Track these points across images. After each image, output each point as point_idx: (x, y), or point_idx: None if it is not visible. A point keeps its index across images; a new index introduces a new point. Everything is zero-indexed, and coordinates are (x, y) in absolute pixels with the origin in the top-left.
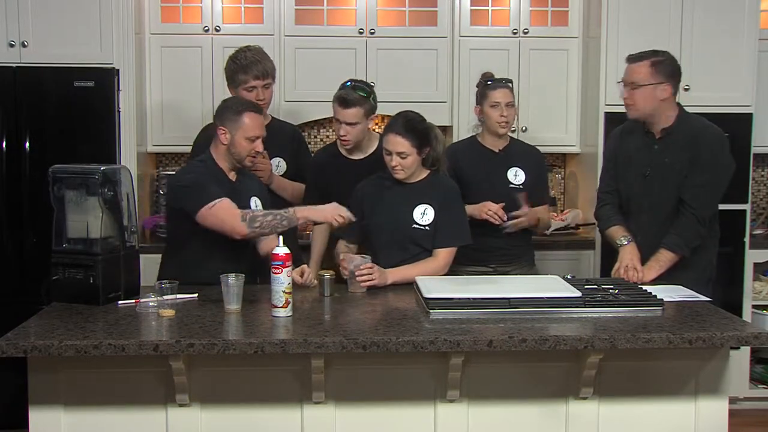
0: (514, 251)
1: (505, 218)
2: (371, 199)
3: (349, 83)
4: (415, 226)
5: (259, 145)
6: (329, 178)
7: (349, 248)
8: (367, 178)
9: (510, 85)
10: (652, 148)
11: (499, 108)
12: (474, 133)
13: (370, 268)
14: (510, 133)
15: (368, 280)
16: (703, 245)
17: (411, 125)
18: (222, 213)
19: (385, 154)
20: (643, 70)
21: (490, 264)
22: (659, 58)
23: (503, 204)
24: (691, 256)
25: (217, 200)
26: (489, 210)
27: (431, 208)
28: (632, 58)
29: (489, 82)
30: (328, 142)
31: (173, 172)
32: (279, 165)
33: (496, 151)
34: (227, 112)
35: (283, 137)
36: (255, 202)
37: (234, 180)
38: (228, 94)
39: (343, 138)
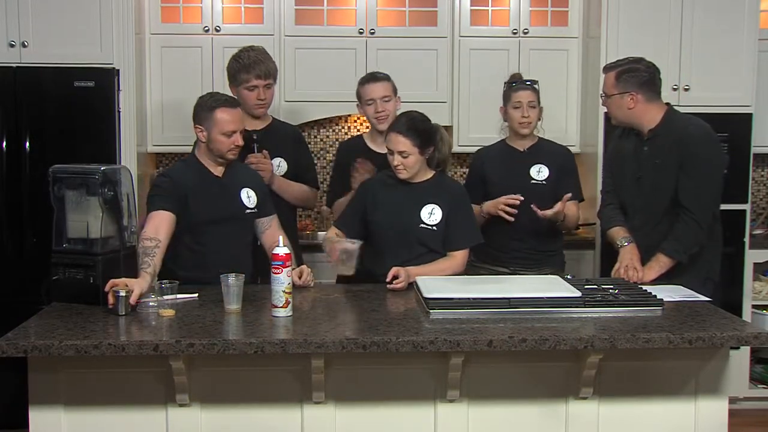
0: (536, 257)
1: (517, 203)
2: (375, 198)
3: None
4: (422, 225)
5: (237, 139)
6: (352, 166)
7: (339, 235)
8: (372, 177)
9: (535, 86)
10: (642, 150)
11: (521, 109)
12: (503, 136)
13: (398, 276)
14: (536, 133)
15: (400, 287)
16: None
17: (413, 124)
18: (148, 222)
19: (388, 154)
20: (609, 81)
21: (510, 266)
22: (628, 66)
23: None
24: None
25: (154, 211)
26: (502, 207)
27: (439, 208)
28: (604, 68)
29: (513, 84)
30: (328, 143)
31: None
32: (280, 165)
33: (522, 150)
34: (201, 110)
35: (283, 138)
36: (247, 194)
37: (221, 176)
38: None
39: (380, 114)
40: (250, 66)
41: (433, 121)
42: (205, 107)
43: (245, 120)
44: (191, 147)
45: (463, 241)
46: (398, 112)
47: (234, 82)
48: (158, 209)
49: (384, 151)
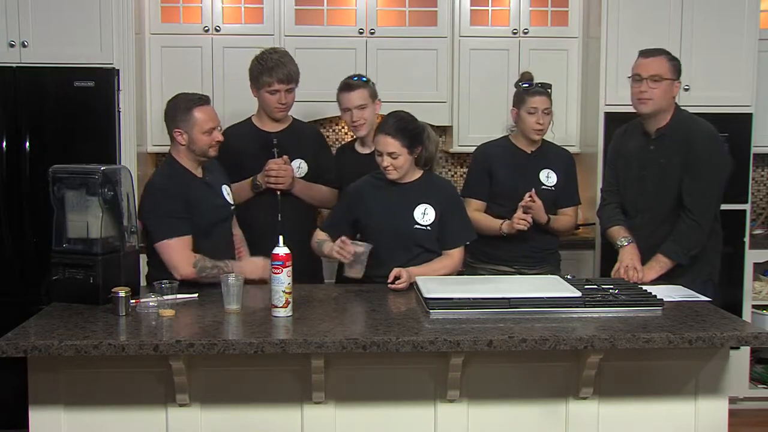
0: (537, 255)
1: (531, 221)
2: (366, 200)
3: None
4: (417, 226)
5: (218, 135)
6: (348, 175)
7: (327, 239)
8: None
9: (549, 90)
10: (648, 149)
11: (536, 114)
12: (507, 133)
13: (400, 277)
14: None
15: (402, 287)
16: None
17: (401, 125)
18: (174, 252)
19: (376, 155)
20: (665, 65)
21: (513, 265)
22: (673, 55)
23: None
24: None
25: (174, 238)
26: (518, 221)
27: (431, 207)
28: (651, 52)
29: (526, 85)
30: (328, 142)
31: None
32: (300, 167)
33: (529, 152)
34: (176, 113)
35: (304, 138)
36: (227, 191)
37: (202, 176)
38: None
39: (356, 123)
40: (272, 69)
41: (430, 121)
42: (181, 109)
43: (266, 122)
44: None
45: (458, 238)
46: (384, 114)
47: (255, 84)
48: (176, 236)
49: (367, 152)
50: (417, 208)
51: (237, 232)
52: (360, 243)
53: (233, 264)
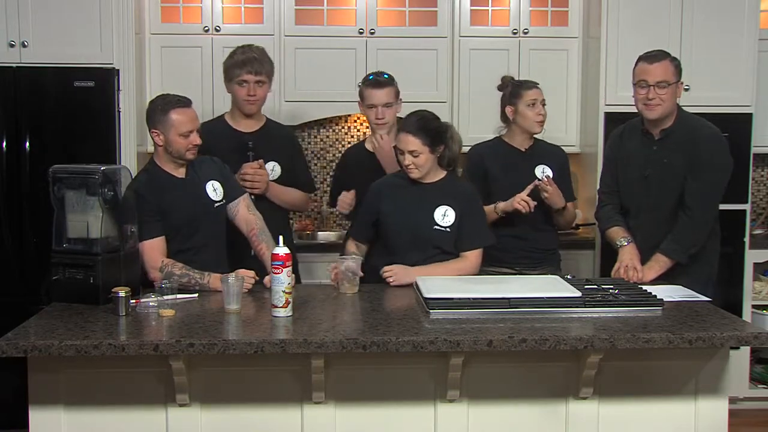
0: (537, 255)
1: (533, 206)
2: (388, 199)
3: (372, 76)
4: (436, 227)
5: (195, 138)
6: (358, 173)
7: (358, 247)
8: (382, 177)
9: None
10: (651, 149)
11: (537, 106)
12: (498, 134)
13: (390, 271)
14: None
15: (392, 280)
16: (702, 245)
17: (422, 123)
18: (144, 254)
19: (398, 154)
20: (670, 69)
21: (514, 267)
22: (672, 56)
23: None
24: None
25: (147, 240)
26: (520, 201)
27: (452, 209)
28: (655, 57)
29: (520, 83)
30: (328, 143)
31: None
32: (273, 169)
33: (523, 150)
34: (155, 114)
35: (278, 140)
36: (212, 186)
37: (184, 176)
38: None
39: (380, 120)
40: (243, 62)
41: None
42: (159, 111)
43: (239, 121)
44: None
45: (476, 241)
46: (398, 115)
47: (227, 77)
48: (147, 239)
49: None
50: (437, 209)
51: (253, 218)
52: (351, 258)
53: (212, 278)
